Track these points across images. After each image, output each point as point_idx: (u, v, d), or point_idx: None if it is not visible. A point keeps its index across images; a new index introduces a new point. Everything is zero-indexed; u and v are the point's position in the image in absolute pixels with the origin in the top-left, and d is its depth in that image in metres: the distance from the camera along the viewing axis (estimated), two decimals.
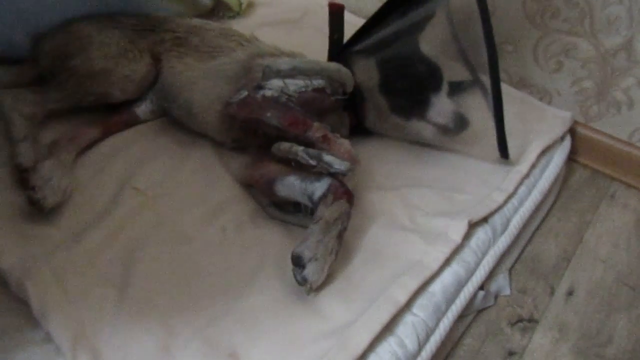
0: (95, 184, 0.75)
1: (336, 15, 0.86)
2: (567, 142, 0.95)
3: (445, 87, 0.83)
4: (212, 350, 0.59)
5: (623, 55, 0.90)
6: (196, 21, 0.94)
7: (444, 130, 0.82)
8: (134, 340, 0.59)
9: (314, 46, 1.02)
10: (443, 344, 0.67)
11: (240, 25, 1.05)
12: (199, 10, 1.08)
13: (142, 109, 0.88)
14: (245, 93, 0.80)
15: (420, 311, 0.65)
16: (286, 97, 0.79)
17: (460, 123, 0.81)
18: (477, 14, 0.82)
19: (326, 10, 1.19)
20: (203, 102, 0.84)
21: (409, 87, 0.84)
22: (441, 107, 0.81)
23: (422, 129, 0.84)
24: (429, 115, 0.82)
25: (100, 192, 0.75)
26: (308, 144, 0.75)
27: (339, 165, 0.69)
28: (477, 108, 0.91)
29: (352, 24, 0.92)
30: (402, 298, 0.63)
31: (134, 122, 0.88)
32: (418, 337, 0.63)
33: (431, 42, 0.86)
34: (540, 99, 1.02)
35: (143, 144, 0.85)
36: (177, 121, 0.88)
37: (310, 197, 0.71)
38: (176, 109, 0.87)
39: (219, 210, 0.76)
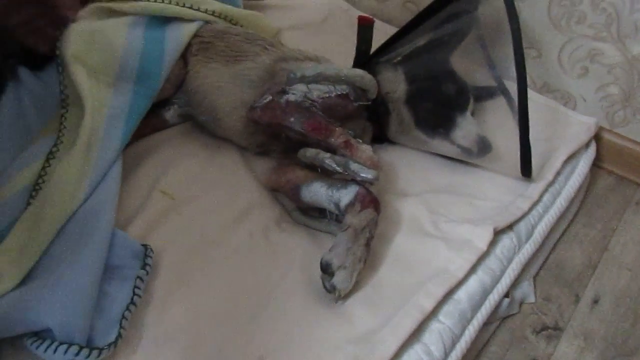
0: (124, 187, 0.76)
1: (365, 28, 0.87)
2: (592, 149, 0.95)
3: (471, 106, 0.83)
4: (240, 355, 0.60)
5: None
6: (221, 26, 0.95)
7: (466, 152, 0.82)
8: (161, 343, 0.61)
9: (337, 49, 1.04)
10: (468, 351, 0.67)
11: None
12: None
13: (170, 113, 0.89)
14: (269, 97, 0.81)
15: (446, 318, 0.65)
16: (309, 102, 0.79)
17: (484, 148, 0.81)
18: (507, 24, 0.82)
19: (348, 14, 1.21)
20: (227, 106, 0.85)
21: (435, 104, 0.84)
22: (466, 129, 0.82)
23: (444, 147, 0.84)
24: (453, 136, 0.82)
25: (129, 195, 0.76)
26: (330, 149, 0.76)
27: (366, 173, 0.70)
28: (501, 122, 0.91)
29: (380, 30, 0.92)
30: (429, 305, 0.64)
31: (162, 126, 0.89)
32: (444, 344, 0.63)
33: (458, 51, 0.86)
34: (565, 104, 1.02)
35: (170, 147, 0.86)
36: (202, 125, 0.89)
37: (336, 205, 0.71)
38: (201, 113, 0.88)
39: (245, 215, 0.77)
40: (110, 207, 0.70)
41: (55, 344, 0.56)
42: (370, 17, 0.89)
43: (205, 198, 0.79)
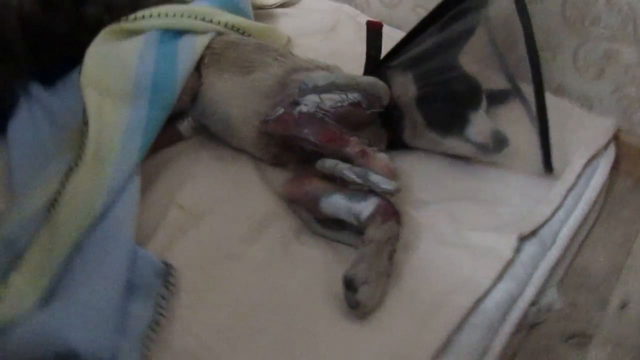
0: (141, 201, 0.75)
1: (374, 33, 0.86)
2: (611, 151, 0.93)
3: (484, 105, 0.82)
4: None
5: None
6: (233, 37, 0.95)
7: (482, 149, 0.81)
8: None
9: (347, 55, 1.03)
10: None
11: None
12: None
13: (185, 125, 0.89)
14: (281, 110, 0.81)
15: (475, 330, 0.64)
16: (322, 112, 0.79)
17: (500, 142, 0.79)
18: (519, 25, 0.81)
19: (357, 20, 1.20)
20: (240, 117, 0.85)
21: (446, 104, 0.83)
22: (480, 125, 0.80)
23: (459, 146, 0.83)
24: (467, 133, 0.81)
25: (147, 209, 0.75)
26: (346, 158, 0.75)
27: (386, 185, 0.69)
28: (517, 120, 0.90)
29: (390, 36, 0.91)
30: (457, 317, 0.63)
31: (177, 138, 0.89)
32: (473, 355, 0.62)
33: (470, 55, 0.85)
34: (581, 106, 1.00)
35: (186, 160, 0.85)
36: (216, 137, 0.89)
37: (357, 217, 0.70)
38: (215, 124, 0.88)
39: (263, 227, 0.76)
40: (130, 224, 0.69)
41: None
42: (379, 22, 0.88)
43: (222, 211, 0.78)
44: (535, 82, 0.77)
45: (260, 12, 1.20)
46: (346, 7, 1.24)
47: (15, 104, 0.88)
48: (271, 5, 1.23)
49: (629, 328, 0.75)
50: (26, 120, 0.87)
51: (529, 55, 0.79)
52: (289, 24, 1.20)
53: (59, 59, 0.94)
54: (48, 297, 0.62)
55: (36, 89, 0.90)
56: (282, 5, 1.24)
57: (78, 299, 0.60)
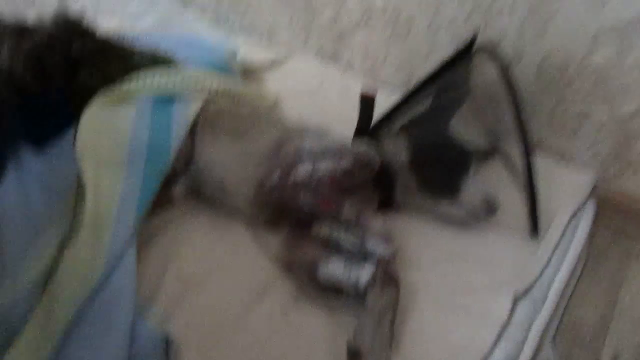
0: (138, 269, 0.75)
1: (367, 103, 0.90)
2: (591, 205, 0.98)
3: (473, 169, 0.85)
4: None
5: (638, 120, 0.94)
6: (225, 102, 0.97)
7: (472, 214, 0.84)
8: None
9: (332, 114, 1.07)
10: None
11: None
12: None
13: (178, 189, 0.89)
14: (277, 176, 0.82)
15: None
16: (317, 178, 0.81)
17: (489, 209, 0.83)
18: (502, 90, 0.86)
19: (341, 80, 1.25)
20: (235, 181, 0.86)
21: (438, 169, 0.86)
22: (471, 191, 0.84)
23: (450, 211, 0.86)
24: (460, 199, 0.84)
25: (144, 277, 0.75)
26: (341, 222, 0.76)
27: (383, 250, 0.70)
28: (500, 177, 0.94)
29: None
30: None
31: (169, 202, 0.89)
32: None
33: (461, 123, 0.89)
34: (558, 162, 1.05)
35: (180, 226, 0.85)
36: (209, 201, 0.89)
37: (354, 283, 0.71)
38: (210, 188, 0.89)
39: (261, 295, 0.76)
40: (129, 295, 0.69)
41: None
42: (372, 93, 0.92)
43: (220, 279, 0.78)
44: (525, 156, 0.81)
45: (248, 74, 1.23)
46: (331, 68, 1.29)
47: (3, 171, 0.88)
48: (259, 66, 1.27)
49: None
50: (15, 187, 0.86)
51: (517, 126, 0.83)
52: (276, 84, 1.24)
53: (51, 124, 0.95)
54: None
55: (26, 155, 0.90)
56: (269, 67, 1.28)
57: None
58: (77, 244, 0.71)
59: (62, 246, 0.72)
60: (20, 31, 1.01)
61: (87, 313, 0.66)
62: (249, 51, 1.29)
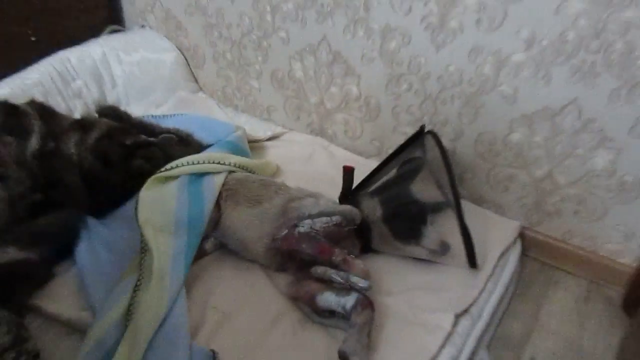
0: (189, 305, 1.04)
1: (348, 174, 1.21)
2: (518, 244, 1.30)
3: (429, 221, 1.16)
4: None
5: (548, 181, 1.27)
6: (241, 175, 1.28)
7: (433, 253, 1.14)
8: None
9: (322, 178, 1.38)
10: None
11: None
12: None
13: (209, 244, 1.19)
14: (285, 231, 1.12)
15: None
16: (315, 232, 1.11)
17: (444, 249, 1.13)
18: (442, 163, 1.18)
19: (328, 150, 1.57)
20: (253, 237, 1.15)
21: (404, 221, 1.16)
22: (429, 236, 1.14)
23: (415, 251, 1.16)
24: (421, 242, 1.14)
25: (190, 311, 1.03)
26: (333, 265, 1.07)
27: (362, 284, 1.00)
28: (450, 225, 1.25)
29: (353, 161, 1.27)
30: None
31: (204, 254, 1.18)
32: None
33: (419, 185, 1.21)
34: (495, 212, 1.38)
35: (212, 272, 1.15)
36: (233, 252, 1.19)
37: (343, 307, 1.00)
38: (232, 243, 1.18)
39: (276, 321, 1.05)
40: (184, 324, 0.98)
41: None
42: (352, 166, 1.23)
43: (245, 310, 1.06)
44: (456, 208, 1.13)
45: (254, 145, 1.55)
46: (319, 140, 1.60)
47: (78, 236, 1.17)
48: (262, 139, 1.58)
49: None
50: (86, 248, 1.15)
51: (452, 190, 1.15)
52: (275, 153, 1.55)
53: (111, 199, 1.24)
54: None
55: (93, 223, 1.20)
56: (270, 139, 1.60)
57: None
58: (149, 290, 1.00)
59: (135, 292, 1.01)
60: (81, 126, 1.32)
61: (157, 338, 0.94)
62: (252, 127, 1.61)
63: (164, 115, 1.57)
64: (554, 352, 1.11)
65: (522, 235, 1.34)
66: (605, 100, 1.11)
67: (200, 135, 1.43)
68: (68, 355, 0.96)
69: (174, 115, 1.59)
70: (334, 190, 1.26)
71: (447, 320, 1.03)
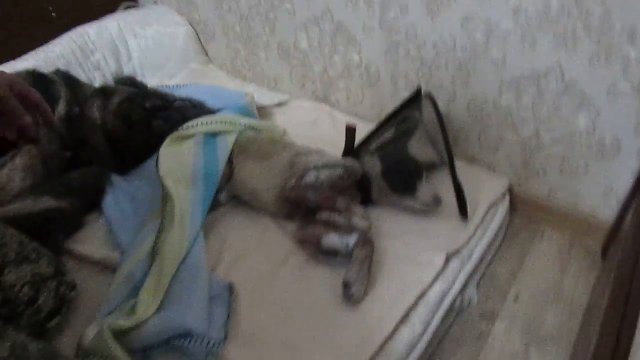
0: (207, 248, 1.16)
1: (350, 132, 1.32)
2: (507, 198, 1.41)
3: (424, 176, 1.27)
4: (302, 335, 0.99)
5: (534, 140, 1.38)
6: (250, 134, 1.39)
7: (426, 205, 1.25)
8: (248, 337, 0.99)
9: (326, 140, 1.48)
10: (438, 330, 1.07)
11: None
12: None
13: (223, 196, 1.30)
14: (293, 181, 1.24)
15: (422, 308, 1.06)
16: (319, 182, 1.23)
17: (436, 202, 1.24)
18: (437, 123, 1.29)
19: (332, 114, 1.67)
20: (263, 189, 1.27)
21: (401, 176, 1.27)
22: (423, 190, 1.24)
23: (411, 203, 1.26)
24: (416, 195, 1.25)
25: (210, 251, 1.15)
26: (336, 211, 1.18)
27: (362, 224, 1.12)
28: (444, 181, 1.36)
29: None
30: (411, 300, 1.05)
31: (218, 205, 1.30)
32: (422, 324, 1.04)
33: (415, 144, 1.32)
34: (486, 170, 1.49)
35: (227, 219, 1.26)
36: (245, 203, 1.31)
37: (346, 246, 1.12)
38: (245, 195, 1.30)
39: (285, 260, 1.16)
40: (204, 260, 1.10)
41: (194, 340, 0.93)
42: (354, 124, 1.34)
43: (257, 251, 1.18)
44: (450, 165, 1.24)
45: (261, 111, 1.66)
46: (323, 106, 1.71)
47: (104, 190, 1.28)
48: (269, 106, 1.69)
49: (519, 310, 1.19)
50: (112, 200, 1.27)
51: (446, 148, 1.26)
52: (282, 119, 1.66)
53: (133, 158, 1.36)
54: (163, 306, 1.00)
55: (117, 179, 1.31)
56: (276, 106, 1.71)
57: (183, 304, 0.99)
58: (171, 232, 1.11)
59: (159, 234, 1.13)
60: (103, 92, 1.43)
61: (181, 271, 1.06)
62: (259, 95, 1.72)
63: (177, 86, 1.68)
64: (537, 291, 1.23)
65: (510, 192, 1.45)
66: (586, 64, 1.21)
67: (211, 103, 1.53)
68: (100, 288, 1.08)
69: (187, 85, 1.70)
70: (337, 151, 1.37)
71: (439, 258, 1.15)
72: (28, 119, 0.75)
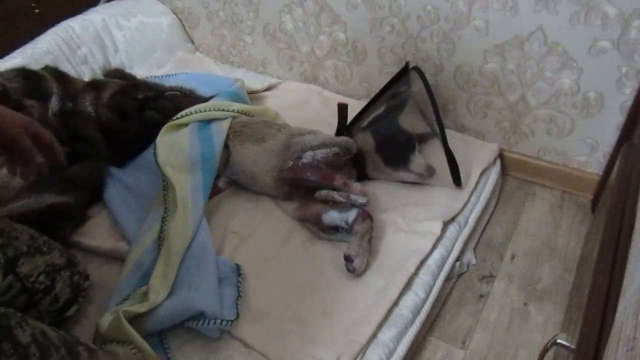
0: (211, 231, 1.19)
1: (342, 110, 1.35)
2: (498, 163, 1.45)
3: (417, 147, 1.30)
4: (310, 312, 1.03)
5: (521, 104, 1.41)
6: (244, 118, 1.41)
7: (420, 176, 1.29)
8: (257, 314, 1.02)
9: (317, 121, 1.50)
10: (440, 294, 1.12)
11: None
12: None
13: (222, 181, 1.33)
14: (290, 162, 1.26)
15: (424, 275, 1.10)
16: (316, 161, 1.26)
17: (430, 172, 1.27)
18: (426, 95, 1.32)
19: (322, 95, 1.69)
20: (261, 171, 1.30)
21: (394, 149, 1.30)
22: (417, 162, 1.28)
23: (405, 176, 1.30)
24: (410, 167, 1.28)
25: (215, 236, 1.18)
26: (334, 188, 1.21)
27: (361, 199, 1.15)
28: (437, 152, 1.40)
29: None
30: (412, 268, 1.09)
31: (218, 191, 1.32)
32: (425, 289, 1.08)
33: (406, 117, 1.34)
34: (477, 138, 1.52)
35: (228, 204, 1.29)
36: (243, 186, 1.33)
37: (346, 221, 1.15)
38: (243, 178, 1.32)
39: (287, 237, 1.20)
40: (210, 243, 1.13)
41: (207, 320, 0.97)
42: (345, 102, 1.37)
43: (259, 232, 1.22)
44: (441, 135, 1.26)
45: (252, 95, 1.67)
46: (312, 86, 1.73)
47: (104, 182, 1.31)
48: (259, 90, 1.71)
49: (516, 269, 1.23)
50: (113, 192, 1.29)
51: (436, 117, 1.28)
52: (273, 102, 1.67)
53: (128, 149, 1.38)
54: (174, 290, 1.04)
55: (116, 172, 1.33)
56: (267, 89, 1.73)
57: (194, 287, 1.03)
58: (175, 219, 1.14)
59: (164, 221, 1.15)
60: (94, 86, 1.44)
61: (189, 255, 1.10)
62: (249, 80, 1.73)
63: (166, 75, 1.68)
64: (532, 249, 1.28)
65: (501, 156, 1.49)
66: (567, 24, 1.24)
67: (202, 90, 1.55)
68: (110, 278, 1.11)
69: (176, 74, 1.70)
70: (330, 130, 1.39)
71: (437, 227, 1.18)
72: (40, 160, 0.81)
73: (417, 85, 1.38)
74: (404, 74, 1.41)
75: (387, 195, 1.31)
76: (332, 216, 1.18)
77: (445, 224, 1.21)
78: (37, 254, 0.93)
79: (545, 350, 0.72)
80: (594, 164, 1.41)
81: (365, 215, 1.14)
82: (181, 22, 1.90)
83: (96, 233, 1.21)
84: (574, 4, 1.20)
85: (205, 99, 1.51)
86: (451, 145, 1.27)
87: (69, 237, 1.19)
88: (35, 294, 0.91)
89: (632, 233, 0.64)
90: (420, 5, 1.38)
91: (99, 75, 1.67)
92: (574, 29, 1.23)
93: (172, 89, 1.52)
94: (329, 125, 1.41)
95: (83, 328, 1.02)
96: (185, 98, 1.47)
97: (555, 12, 1.23)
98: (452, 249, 1.19)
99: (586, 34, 1.23)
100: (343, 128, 1.38)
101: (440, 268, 1.14)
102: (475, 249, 1.28)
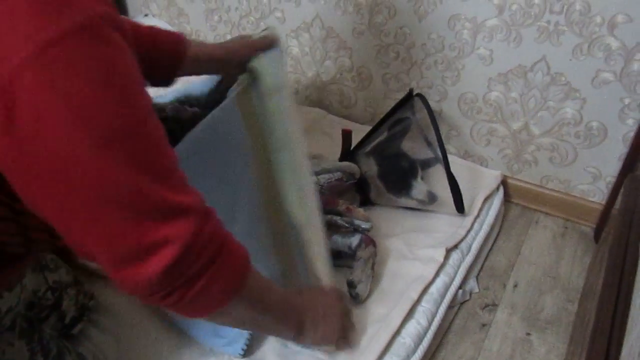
0: None
1: (347, 136, 1.36)
2: (501, 191, 1.45)
3: (420, 174, 1.31)
4: None
5: (525, 132, 1.42)
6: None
7: (422, 203, 1.30)
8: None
9: (324, 142, 1.52)
10: (442, 323, 1.11)
11: None
12: None
13: None
14: None
15: (426, 303, 1.10)
16: (320, 186, 1.26)
17: (431, 198, 1.28)
18: (430, 122, 1.33)
19: (327, 118, 1.71)
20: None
21: (397, 176, 1.32)
22: (419, 188, 1.29)
23: (407, 202, 1.31)
24: (411, 193, 1.29)
25: None
26: (337, 213, 1.22)
27: (365, 225, 1.16)
28: (440, 178, 1.40)
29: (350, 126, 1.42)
30: (415, 296, 1.09)
31: None
32: (427, 318, 1.08)
33: (409, 143, 1.36)
34: (480, 164, 1.53)
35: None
36: None
37: (349, 247, 1.16)
38: None
39: None
40: None
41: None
42: (349, 129, 1.38)
43: None
44: (444, 161, 1.28)
45: None
46: (316, 109, 1.75)
47: None
48: None
49: (518, 298, 1.23)
50: None
51: (439, 145, 1.29)
52: None
53: None
54: None
55: None
56: None
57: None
58: None
59: None
60: None
61: None
62: None
63: (159, 96, 1.69)
64: (534, 278, 1.28)
65: (504, 183, 1.50)
66: (570, 55, 1.25)
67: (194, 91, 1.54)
68: (114, 299, 1.11)
69: (166, 93, 1.71)
70: (334, 155, 1.41)
71: (440, 254, 1.19)
72: None
73: (420, 112, 1.39)
74: (407, 100, 1.43)
75: (390, 221, 1.32)
76: (336, 241, 1.18)
77: (448, 251, 1.21)
78: (45, 270, 0.94)
79: None
80: (597, 193, 1.41)
81: (369, 241, 1.15)
82: None
83: None
84: (577, 36, 1.22)
85: (204, 99, 1.50)
86: (454, 171, 1.28)
87: (74, 259, 1.19)
88: (43, 310, 0.91)
89: (635, 270, 0.65)
90: (425, 33, 1.41)
91: None
92: (577, 60, 1.25)
93: (170, 104, 1.53)
94: (333, 150, 1.42)
95: (86, 350, 1.02)
96: (188, 105, 1.47)
97: (559, 44, 1.25)
98: (454, 277, 1.19)
99: (589, 65, 1.24)
100: (347, 153, 1.39)
101: (442, 296, 1.14)
102: (477, 276, 1.28)
